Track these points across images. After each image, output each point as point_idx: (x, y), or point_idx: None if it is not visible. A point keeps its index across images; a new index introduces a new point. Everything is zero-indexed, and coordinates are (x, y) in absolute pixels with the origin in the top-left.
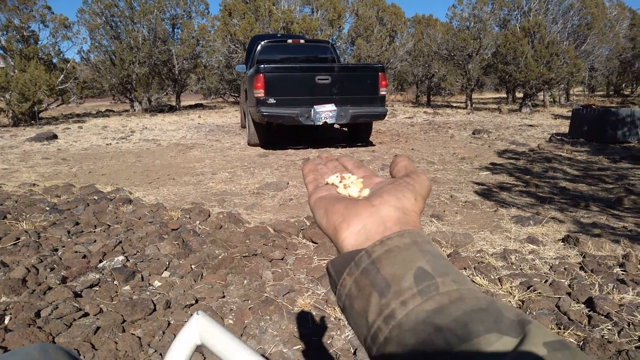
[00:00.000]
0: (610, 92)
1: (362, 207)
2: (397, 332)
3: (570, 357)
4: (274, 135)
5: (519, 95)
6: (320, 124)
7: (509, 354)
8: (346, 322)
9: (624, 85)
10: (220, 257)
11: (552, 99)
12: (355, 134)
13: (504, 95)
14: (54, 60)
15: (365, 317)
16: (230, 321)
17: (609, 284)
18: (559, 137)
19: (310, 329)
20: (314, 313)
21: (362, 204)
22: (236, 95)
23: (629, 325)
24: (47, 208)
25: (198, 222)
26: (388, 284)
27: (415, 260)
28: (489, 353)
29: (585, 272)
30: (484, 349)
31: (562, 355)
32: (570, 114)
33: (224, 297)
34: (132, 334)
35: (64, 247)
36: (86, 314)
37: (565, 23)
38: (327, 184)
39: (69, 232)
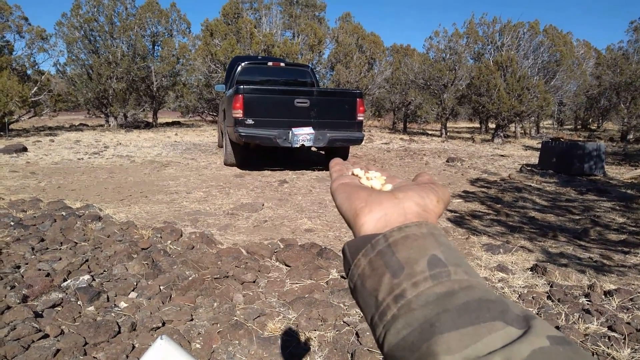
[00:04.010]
0: (578, 127)
1: (385, 197)
2: (405, 311)
3: (572, 352)
4: (250, 155)
5: (492, 125)
6: (298, 146)
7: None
8: (357, 305)
9: (590, 120)
10: (190, 278)
11: (523, 131)
12: (332, 158)
13: (477, 125)
14: (29, 72)
15: (375, 296)
16: (198, 345)
17: (575, 314)
18: (529, 168)
19: (280, 354)
20: (284, 338)
21: (385, 194)
22: (214, 114)
23: (593, 356)
24: (12, 223)
25: (169, 241)
26: (402, 266)
27: (430, 248)
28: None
29: (552, 301)
30: (489, 334)
31: (563, 350)
32: (540, 145)
33: (192, 320)
34: (94, 357)
35: (26, 264)
36: (46, 336)
37: (535, 59)
38: (352, 174)
39: (33, 248)
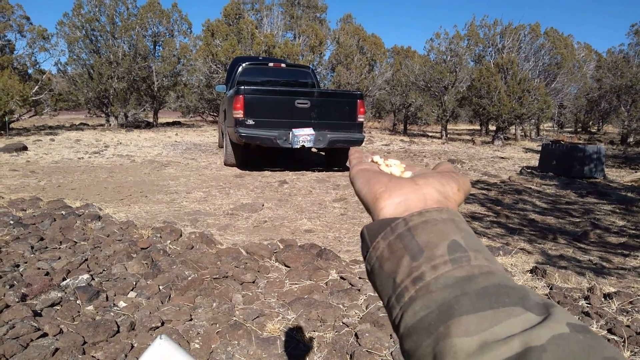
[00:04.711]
0: (578, 129)
1: (405, 183)
2: (423, 292)
3: (592, 340)
4: (251, 156)
5: (492, 128)
6: (298, 147)
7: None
8: (372, 288)
9: (591, 123)
10: (189, 278)
11: (523, 133)
12: (332, 159)
13: (477, 127)
14: (30, 71)
15: (393, 278)
16: (197, 345)
17: (575, 317)
18: (529, 170)
19: (279, 355)
20: (283, 339)
21: (405, 180)
22: (215, 114)
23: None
24: (11, 222)
25: (169, 241)
26: (421, 249)
27: (451, 233)
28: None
29: None
30: (508, 318)
31: (583, 337)
32: (540, 148)
33: (191, 320)
34: (92, 356)
35: (26, 263)
36: (45, 335)
37: (536, 61)
38: (372, 161)
39: (32, 247)
